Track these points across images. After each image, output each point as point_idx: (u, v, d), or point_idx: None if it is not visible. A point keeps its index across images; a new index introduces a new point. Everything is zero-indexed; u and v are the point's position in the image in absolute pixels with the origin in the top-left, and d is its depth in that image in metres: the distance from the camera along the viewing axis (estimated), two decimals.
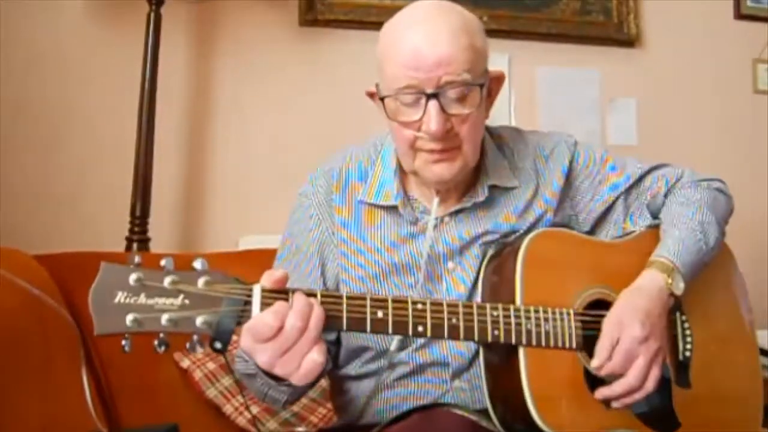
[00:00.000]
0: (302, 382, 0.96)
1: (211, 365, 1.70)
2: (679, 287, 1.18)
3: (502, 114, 2.48)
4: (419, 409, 1.16)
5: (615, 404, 1.13)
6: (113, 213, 2.03)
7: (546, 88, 2.56)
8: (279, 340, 0.94)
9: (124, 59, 2.11)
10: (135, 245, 1.95)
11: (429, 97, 1.10)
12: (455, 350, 1.21)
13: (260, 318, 0.94)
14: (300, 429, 1.69)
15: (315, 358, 0.95)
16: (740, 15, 2.78)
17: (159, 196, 2.04)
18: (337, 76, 2.32)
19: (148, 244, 1.97)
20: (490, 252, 1.23)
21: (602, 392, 1.13)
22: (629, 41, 2.64)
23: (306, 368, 0.95)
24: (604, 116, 2.62)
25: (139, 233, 1.95)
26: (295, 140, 2.26)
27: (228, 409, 1.65)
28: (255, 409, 1.63)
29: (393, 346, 1.20)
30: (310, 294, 0.98)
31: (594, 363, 1.11)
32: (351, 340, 1.25)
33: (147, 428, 1.40)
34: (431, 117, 1.10)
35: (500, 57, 2.44)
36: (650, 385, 1.12)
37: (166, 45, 2.02)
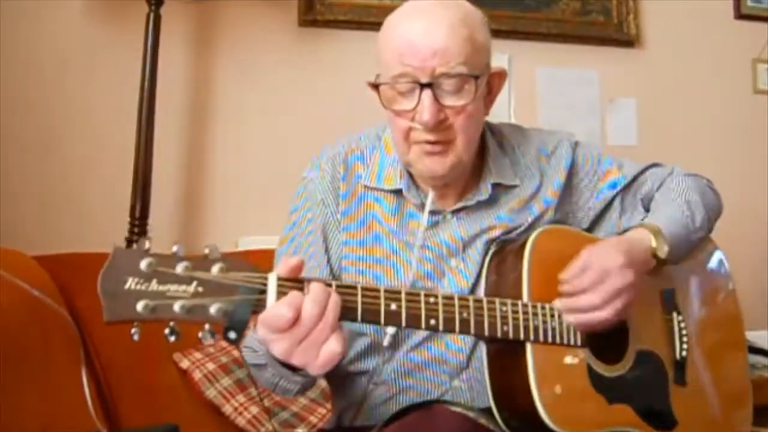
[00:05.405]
0: (320, 371, 0.94)
1: (210, 366, 1.70)
2: (663, 250, 1.17)
3: (502, 114, 2.48)
4: (418, 407, 1.15)
5: (569, 317, 1.10)
6: (113, 213, 2.02)
7: (546, 88, 2.56)
8: (296, 329, 0.91)
9: (124, 59, 2.10)
10: (135, 246, 1.94)
11: (423, 86, 1.10)
12: (454, 347, 1.20)
13: (275, 309, 0.91)
14: (300, 429, 1.69)
15: (333, 348, 0.92)
16: (740, 15, 2.78)
17: (159, 197, 2.04)
18: (337, 77, 2.31)
19: None
20: (493, 249, 1.22)
21: (563, 301, 1.10)
22: (629, 41, 2.64)
23: (324, 358, 0.92)
24: (604, 116, 2.62)
25: (138, 233, 1.95)
26: (295, 141, 2.25)
27: (227, 409, 1.65)
28: (255, 410, 1.64)
29: (386, 342, 1.18)
30: (326, 284, 0.96)
31: (563, 275, 1.10)
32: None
33: (147, 428, 1.41)
34: (424, 107, 1.10)
35: (500, 57, 2.44)
36: (610, 311, 1.08)
37: (165, 45, 2.02)
